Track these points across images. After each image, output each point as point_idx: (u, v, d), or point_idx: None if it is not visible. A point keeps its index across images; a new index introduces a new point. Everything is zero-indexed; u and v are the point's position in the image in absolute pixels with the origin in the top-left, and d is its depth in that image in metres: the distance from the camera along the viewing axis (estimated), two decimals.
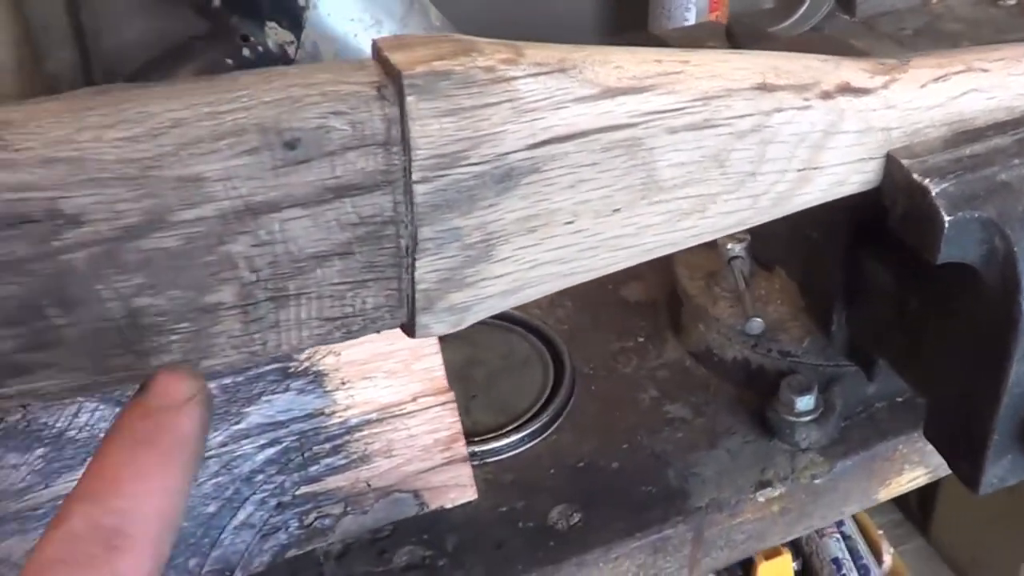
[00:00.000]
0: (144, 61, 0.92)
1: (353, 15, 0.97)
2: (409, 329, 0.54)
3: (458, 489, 0.74)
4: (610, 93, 0.52)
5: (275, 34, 0.95)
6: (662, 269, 0.91)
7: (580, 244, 0.54)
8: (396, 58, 0.48)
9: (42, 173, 0.43)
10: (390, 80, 0.48)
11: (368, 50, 0.94)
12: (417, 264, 0.51)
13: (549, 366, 0.86)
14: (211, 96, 0.46)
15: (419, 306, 0.52)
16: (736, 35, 0.91)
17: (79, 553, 0.40)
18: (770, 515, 0.78)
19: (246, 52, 0.94)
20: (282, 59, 0.96)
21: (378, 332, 0.53)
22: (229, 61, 0.94)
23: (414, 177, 0.48)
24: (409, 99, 0.47)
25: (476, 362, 0.85)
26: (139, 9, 1.07)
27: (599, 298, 0.94)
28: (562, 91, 0.50)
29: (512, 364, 0.87)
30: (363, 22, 0.97)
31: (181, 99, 0.46)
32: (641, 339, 0.91)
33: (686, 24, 1.21)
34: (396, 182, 0.49)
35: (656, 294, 0.94)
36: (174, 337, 0.48)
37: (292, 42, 0.96)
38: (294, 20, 0.95)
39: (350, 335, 0.52)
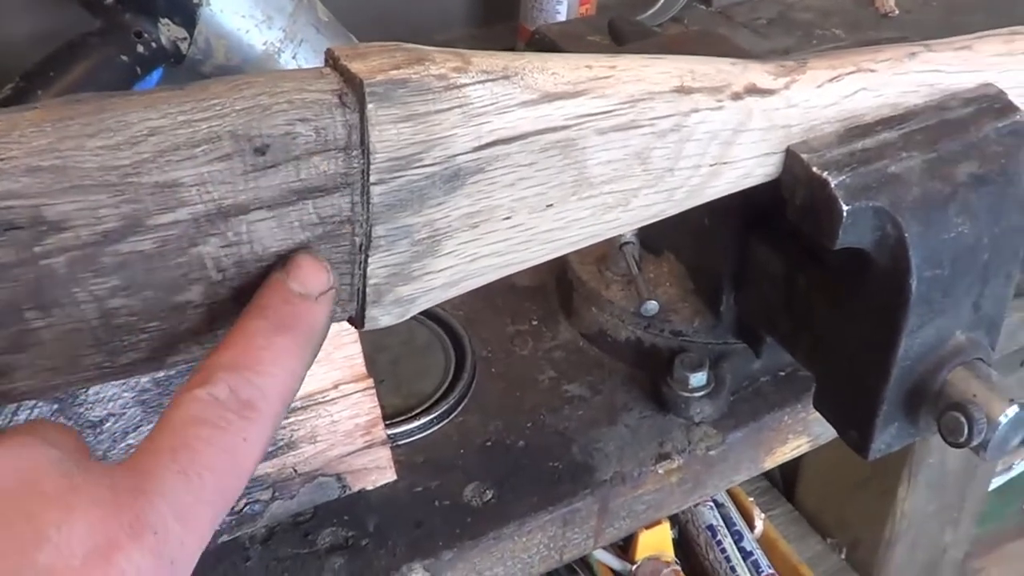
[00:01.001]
0: (41, 58, 0.93)
1: (244, 12, 0.99)
2: (358, 321, 0.57)
3: (378, 471, 0.76)
4: (548, 98, 0.55)
5: (168, 30, 0.96)
6: None
7: (516, 238, 0.58)
8: (356, 67, 0.51)
9: (26, 181, 0.45)
10: (351, 88, 0.51)
11: (258, 47, 0.97)
12: (370, 260, 0.54)
13: (450, 350, 0.90)
14: (186, 104, 0.48)
15: (369, 300, 0.55)
16: (619, 31, 0.95)
17: (219, 417, 0.45)
18: (668, 486, 0.83)
19: (140, 48, 0.95)
20: (175, 55, 0.97)
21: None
22: (124, 57, 0.94)
23: (372, 179, 0.51)
24: (369, 106, 0.50)
25: (380, 348, 0.88)
26: (26, 6, 1.06)
27: (491, 284, 0.97)
28: (507, 96, 0.54)
29: (414, 349, 0.90)
30: (254, 18, 0.99)
31: (157, 108, 0.48)
32: (535, 322, 0.94)
33: (558, 17, 1.24)
34: (355, 184, 0.51)
35: (545, 279, 0.98)
36: (144, 336, 0.50)
37: (185, 38, 0.97)
38: (187, 17, 0.96)
39: None
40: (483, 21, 1.39)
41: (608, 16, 1.09)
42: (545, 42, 0.95)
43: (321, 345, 0.51)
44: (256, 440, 0.46)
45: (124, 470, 0.43)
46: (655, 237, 0.89)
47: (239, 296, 0.51)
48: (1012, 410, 0.68)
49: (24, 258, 0.45)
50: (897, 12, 1.53)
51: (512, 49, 1.30)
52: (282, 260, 0.50)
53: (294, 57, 1.02)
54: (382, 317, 0.57)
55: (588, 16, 1.26)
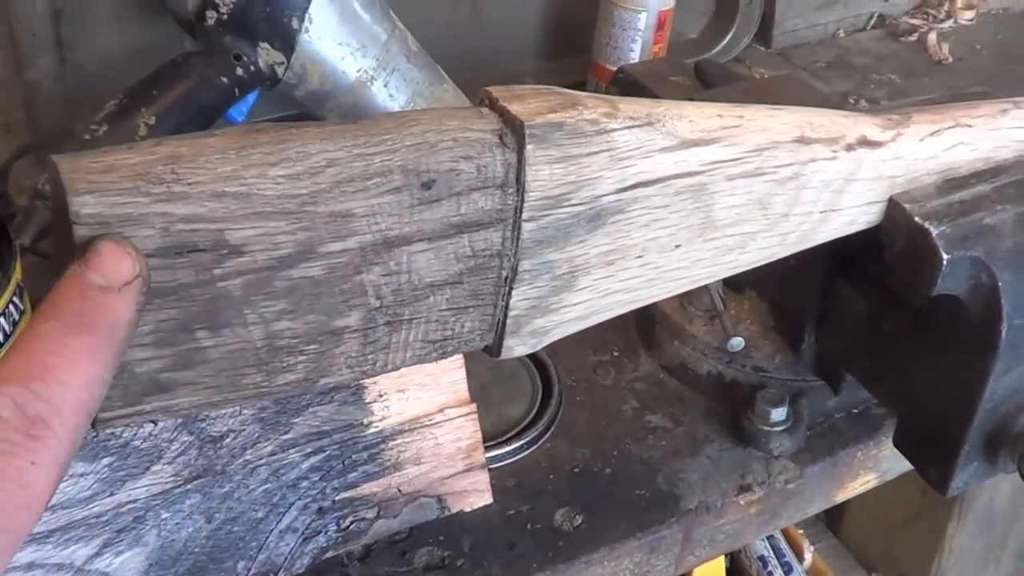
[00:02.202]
0: (144, 76, 0.95)
1: (341, 39, 1.01)
2: (495, 350, 0.59)
3: (476, 494, 0.79)
4: (686, 144, 0.58)
5: (267, 54, 0.99)
6: None
7: (645, 276, 0.61)
8: (515, 108, 0.54)
9: (212, 206, 0.47)
10: (510, 128, 0.54)
11: (352, 74, 1.00)
12: (513, 293, 0.57)
13: (536, 378, 0.92)
14: (360, 139, 0.51)
15: (508, 330, 0.58)
16: (705, 74, 0.98)
17: (5, 438, 0.39)
18: (748, 516, 0.85)
19: (239, 71, 0.98)
20: (271, 78, 1.00)
21: (465, 353, 0.59)
22: (223, 79, 0.97)
23: (524, 216, 0.54)
24: (528, 147, 0.53)
25: (469, 374, 0.91)
26: (119, 22, 1.09)
27: None
28: (650, 142, 0.57)
29: (501, 376, 0.92)
30: (350, 46, 1.02)
31: (334, 140, 0.50)
32: (616, 353, 0.97)
33: (632, 56, 1.27)
34: (508, 220, 0.54)
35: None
36: (302, 358, 0.53)
37: (282, 63, 1.00)
38: (286, 42, 0.99)
39: (444, 356, 0.58)
40: (555, 54, 1.41)
41: (679, 55, 1.12)
42: (630, 81, 0.98)
43: (127, 343, 0.44)
44: (49, 463, 0.40)
45: None
46: (738, 275, 0.92)
47: (392, 323, 0.54)
48: None
49: (203, 279, 0.48)
50: (950, 59, 1.56)
51: (583, 84, 1.33)
52: (80, 249, 0.44)
53: (385, 85, 1.05)
54: (518, 347, 0.59)
55: (666, 56, 1.29)
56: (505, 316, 0.57)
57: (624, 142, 0.56)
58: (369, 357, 0.55)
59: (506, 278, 0.56)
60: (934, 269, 0.67)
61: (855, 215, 0.68)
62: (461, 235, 0.54)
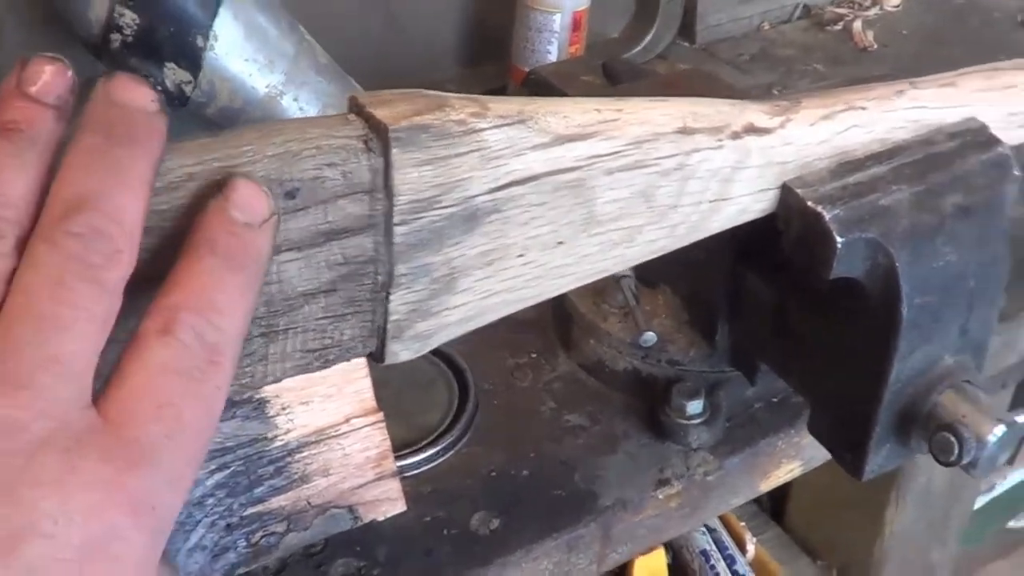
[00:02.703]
0: None
1: (248, 56, 1.01)
2: (378, 356, 0.59)
3: (389, 502, 0.78)
4: (560, 140, 0.58)
5: (173, 74, 0.99)
6: None
7: (529, 274, 0.60)
8: (380, 113, 0.53)
9: None
10: (375, 133, 0.53)
11: (261, 89, 1.00)
12: (391, 298, 0.56)
13: (452, 384, 0.92)
14: (220, 151, 0.50)
15: (390, 336, 0.58)
16: (613, 71, 0.97)
17: (192, 367, 0.44)
18: (668, 511, 0.85)
19: None
20: (179, 98, 1.00)
21: (349, 360, 0.59)
22: None
23: (395, 220, 0.54)
24: (394, 151, 0.53)
25: (384, 383, 0.90)
26: (28, 49, 1.08)
27: None
28: (522, 140, 0.57)
29: (417, 384, 0.92)
30: (257, 62, 1.01)
31: (194, 155, 0.50)
32: (534, 355, 0.97)
33: (549, 57, 1.27)
34: (378, 225, 0.54)
35: (543, 313, 1.00)
36: None
37: (190, 82, 0.99)
38: (192, 61, 0.99)
39: (326, 365, 0.57)
40: (474, 60, 1.41)
41: (597, 55, 1.12)
42: (540, 82, 0.98)
43: (264, 278, 0.49)
44: (225, 386, 0.45)
45: (115, 439, 0.42)
46: (651, 270, 0.92)
47: (268, 334, 0.54)
48: (999, 429, 0.71)
49: None
50: (875, 46, 1.57)
51: (504, 88, 1.33)
52: (219, 186, 0.48)
53: (295, 99, 1.04)
54: (402, 352, 0.59)
55: (580, 56, 1.29)
56: (386, 322, 0.57)
57: (494, 141, 0.56)
58: (247, 369, 0.54)
59: (383, 283, 0.56)
60: (829, 252, 0.67)
61: (747, 203, 0.68)
62: (331, 243, 0.53)
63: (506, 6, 1.31)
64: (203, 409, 0.44)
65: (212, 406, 0.45)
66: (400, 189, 0.53)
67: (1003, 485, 1.92)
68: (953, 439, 0.72)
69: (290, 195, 0.51)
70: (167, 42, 0.98)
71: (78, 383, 0.42)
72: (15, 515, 0.38)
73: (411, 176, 0.53)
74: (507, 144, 0.56)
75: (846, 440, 0.76)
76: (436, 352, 0.93)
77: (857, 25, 1.60)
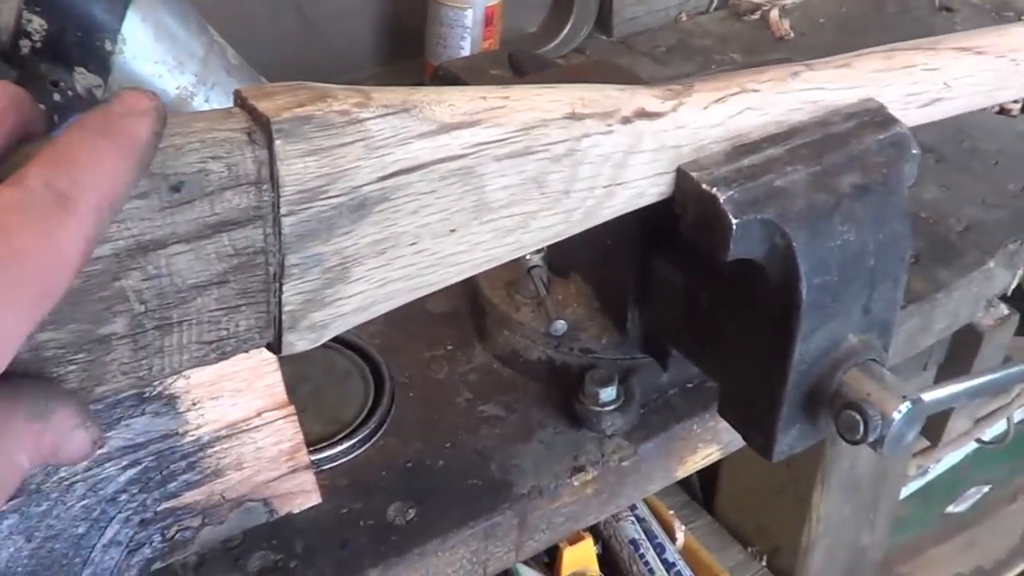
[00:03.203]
0: None
1: (157, 58, 1.01)
2: (275, 347, 0.59)
3: (303, 495, 0.79)
4: (446, 128, 0.59)
5: (83, 78, 0.99)
6: (462, 281, 0.98)
7: (422, 262, 0.61)
8: (263, 106, 0.54)
9: None
10: (259, 126, 0.54)
11: (171, 91, 1.00)
12: (284, 288, 0.57)
13: (368, 378, 0.92)
14: None
15: (285, 326, 0.58)
16: (519, 63, 0.98)
17: (33, 205, 0.44)
18: (584, 497, 0.86)
19: (56, 96, 0.97)
20: (90, 102, 1.00)
21: (247, 352, 0.59)
22: (41, 106, 0.96)
23: (282, 211, 0.54)
24: (277, 142, 0.53)
25: (301, 378, 0.91)
26: None
27: (406, 312, 0.99)
28: (406, 129, 0.57)
29: (333, 378, 0.92)
30: (167, 64, 1.02)
31: None
32: (450, 347, 0.98)
33: (462, 53, 1.28)
34: (266, 216, 0.54)
35: (458, 305, 1.01)
36: (72, 367, 0.52)
37: (100, 85, 0.99)
38: (101, 64, 0.98)
39: (224, 356, 0.58)
40: (390, 59, 1.42)
41: (510, 50, 1.13)
42: (448, 77, 0.99)
43: (148, 164, 0.49)
44: (75, 234, 0.45)
45: None
46: (561, 259, 0.93)
47: (162, 327, 0.54)
48: (904, 406, 0.72)
49: None
50: (792, 35, 1.58)
51: (421, 84, 1.34)
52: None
53: (207, 100, 1.04)
54: (298, 342, 0.59)
55: (490, 51, 1.30)
56: (280, 312, 0.58)
57: (379, 131, 0.56)
58: (143, 362, 0.55)
59: (275, 274, 0.56)
60: (725, 234, 0.68)
61: (643, 187, 0.69)
62: (220, 234, 0.54)
63: (420, 3, 1.32)
64: (43, 240, 0.44)
65: (57, 242, 0.44)
66: (286, 180, 0.54)
67: (936, 469, 1.94)
68: (859, 417, 0.73)
69: (175, 188, 0.52)
70: (75, 47, 0.97)
71: None
72: None
73: (296, 167, 0.54)
74: (392, 133, 0.57)
75: (755, 422, 0.77)
76: (352, 346, 0.94)
77: (774, 14, 1.62)
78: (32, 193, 0.44)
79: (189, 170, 0.52)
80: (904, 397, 0.73)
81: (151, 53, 1.01)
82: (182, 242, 0.53)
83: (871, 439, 0.73)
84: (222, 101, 1.05)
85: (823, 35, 1.61)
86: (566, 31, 1.45)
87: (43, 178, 0.44)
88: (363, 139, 0.56)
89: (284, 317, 0.58)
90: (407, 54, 1.39)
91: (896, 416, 0.72)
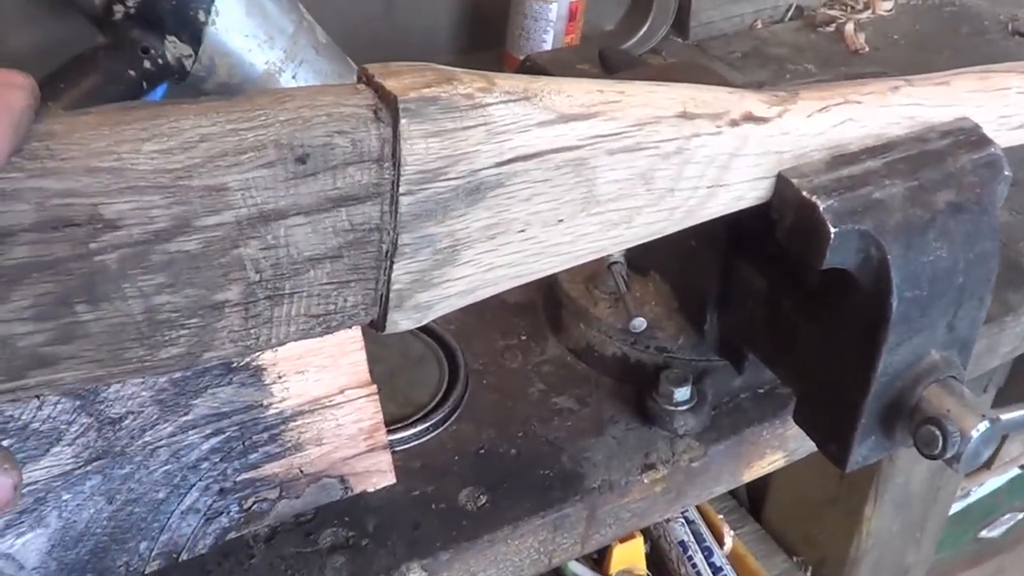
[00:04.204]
0: (52, 71, 0.95)
1: (248, 32, 1.02)
2: (379, 325, 0.60)
3: (379, 474, 0.80)
4: (564, 119, 0.59)
5: (174, 47, 0.99)
6: None
7: (529, 250, 0.61)
8: (390, 84, 0.54)
9: (86, 181, 0.48)
10: (385, 104, 0.54)
11: (260, 66, 1.01)
12: (394, 267, 0.57)
13: (443, 362, 0.93)
14: (233, 114, 0.51)
15: (392, 304, 0.59)
16: (609, 60, 0.99)
17: None
18: (653, 495, 0.86)
19: (147, 64, 0.98)
20: (179, 71, 1.01)
21: (351, 328, 0.60)
22: (131, 72, 0.97)
23: (401, 190, 0.55)
24: (403, 121, 0.54)
25: (377, 359, 0.91)
26: (27, 19, 1.09)
27: (482, 300, 1.01)
28: (527, 116, 0.58)
29: (409, 361, 0.93)
30: (257, 39, 1.02)
31: (208, 116, 0.51)
32: (524, 337, 0.98)
33: (544, 46, 1.29)
34: (385, 194, 0.55)
35: (534, 296, 1.01)
36: (183, 332, 0.53)
37: (190, 55, 1.00)
38: (194, 35, 1.00)
39: (329, 330, 0.58)
40: (469, 48, 1.42)
41: (592, 45, 1.13)
42: (536, 69, 0.99)
43: (22, 130, 0.48)
44: None
45: None
46: (642, 257, 0.93)
47: (274, 297, 0.55)
48: (983, 425, 0.72)
49: (79, 253, 0.48)
50: (867, 49, 1.58)
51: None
52: None
53: (294, 77, 1.05)
54: (402, 321, 0.60)
55: (574, 45, 1.30)
56: (388, 290, 0.58)
57: (500, 116, 0.57)
58: (252, 331, 0.55)
59: (387, 252, 0.57)
60: (822, 243, 0.68)
61: (743, 190, 0.69)
62: (339, 209, 0.54)
63: None
64: None
65: None
66: (407, 159, 0.54)
67: (978, 492, 1.94)
68: (938, 432, 0.73)
69: (300, 160, 0.52)
70: (169, 15, 0.98)
71: None
72: None
73: (419, 147, 0.54)
74: (513, 120, 0.57)
75: (832, 431, 0.78)
76: (428, 331, 0.94)
77: (849, 27, 1.61)
78: None
79: (315, 143, 0.52)
80: (983, 416, 0.73)
81: (242, 26, 1.02)
82: (302, 214, 0.53)
83: (949, 455, 0.73)
84: (309, 78, 1.06)
85: (897, 51, 1.60)
86: (644, 30, 1.45)
87: None
88: (485, 124, 0.56)
89: (391, 295, 0.58)
90: (485, 44, 1.40)
91: (975, 434, 0.72)
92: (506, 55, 1.34)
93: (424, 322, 0.61)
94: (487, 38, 1.39)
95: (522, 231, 0.60)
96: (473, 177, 0.57)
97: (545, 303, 1.00)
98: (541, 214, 0.60)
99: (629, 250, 0.92)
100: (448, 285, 0.60)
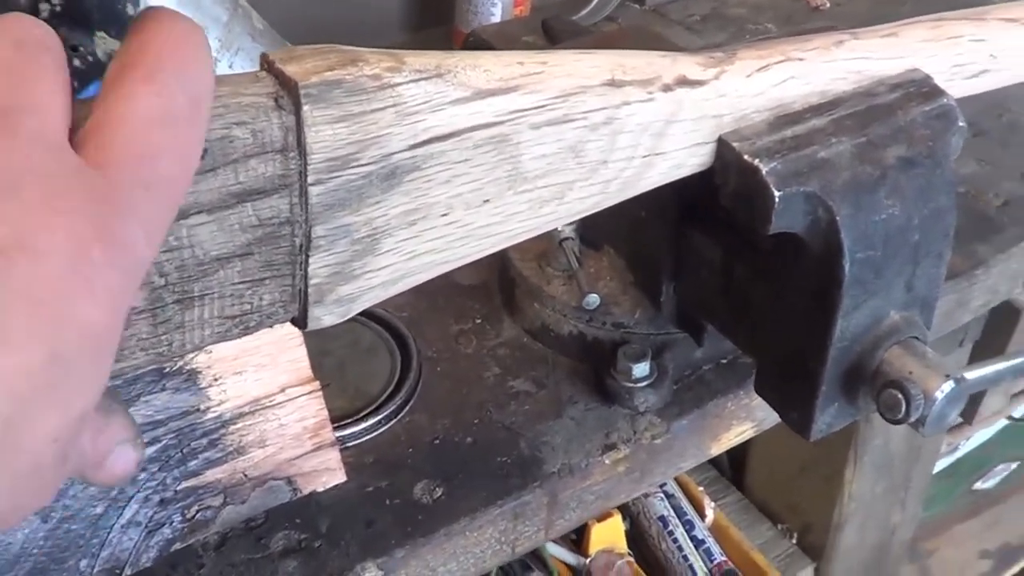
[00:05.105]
0: None
1: None
2: (301, 322, 0.57)
3: (328, 473, 0.77)
4: (481, 95, 0.56)
5: (104, 43, 0.96)
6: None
7: (454, 234, 0.59)
8: (290, 69, 0.51)
9: None
10: (286, 90, 0.51)
11: None
12: (310, 260, 0.54)
13: (395, 352, 0.90)
14: None
15: (311, 300, 0.56)
16: (553, 30, 0.96)
17: (174, 121, 0.43)
18: (616, 475, 0.84)
19: (76, 62, 0.95)
20: None
21: (271, 327, 0.57)
22: None
23: (309, 180, 0.52)
24: (305, 108, 0.51)
25: (325, 352, 0.89)
26: None
27: (434, 284, 0.97)
28: (440, 94, 0.55)
29: (359, 352, 0.90)
30: None
31: None
32: (478, 320, 0.95)
33: (492, 19, 1.26)
34: (292, 185, 0.52)
35: (487, 277, 0.99)
36: None
37: None
38: (122, 28, 0.96)
39: (247, 331, 0.56)
40: (418, 26, 1.40)
41: (542, 17, 1.10)
42: (480, 44, 0.97)
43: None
44: (200, 142, 0.46)
45: (98, 178, 0.41)
46: (594, 232, 0.90)
47: (183, 301, 0.52)
48: (947, 385, 0.70)
49: None
50: (828, 5, 1.55)
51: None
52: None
53: (230, 66, 1.02)
54: (325, 317, 0.57)
55: (522, 17, 1.28)
56: (306, 285, 0.55)
57: (411, 96, 0.54)
58: (163, 338, 0.53)
59: (300, 246, 0.54)
60: (767, 206, 0.66)
61: (682, 158, 0.66)
62: (243, 204, 0.51)
63: None
64: (181, 165, 0.44)
65: (189, 163, 0.45)
66: (314, 147, 0.51)
67: (966, 446, 1.92)
68: (900, 396, 0.70)
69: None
70: (96, 9, 0.95)
71: (53, 125, 0.41)
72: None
73: (325, 134, 0.51)
74: (425, 99, 0.54)
75: (793, 399, 0.75)
76: (378, 320, 0.92)
77: None
78: (173, 106, 0.43)
79: (212, 136, 0.49)
80: (947, 376, 0.70)
81: None
82: (204, 212, 0.50)
83: (913, 418, 0.71)
84: (246, 66, 1.03)
85: (858, 5, 1.57)
86: None
87: (179, 81, 0.43)
88: (395, 105, 0.53)
89: (310, 291, 0.56)
90: (435, 21, 1.37)
91: (939, 395, 0.70)
92: (455, 31, 1.31)
93: (348, 316, 0.58)
94: (436, 15, 1.37)
95: (445, 215, 0.57)
96: (386, 162, 0.54)
97: (499, 284, 0.97)
98: (463, 196, 0.57)
99: (581, 225, 0.90)
100: (370, 276, 0.57)
